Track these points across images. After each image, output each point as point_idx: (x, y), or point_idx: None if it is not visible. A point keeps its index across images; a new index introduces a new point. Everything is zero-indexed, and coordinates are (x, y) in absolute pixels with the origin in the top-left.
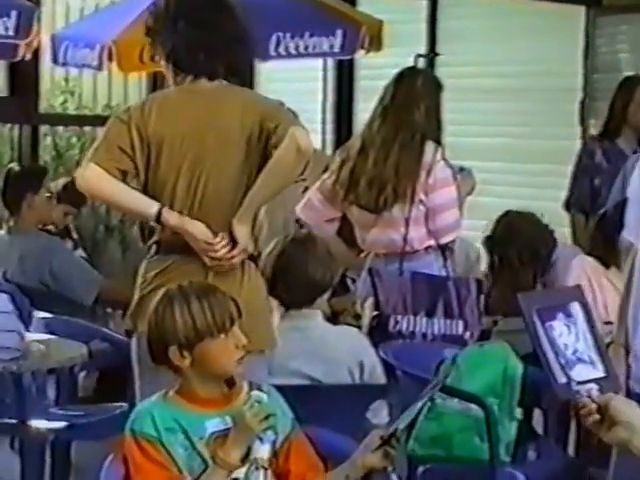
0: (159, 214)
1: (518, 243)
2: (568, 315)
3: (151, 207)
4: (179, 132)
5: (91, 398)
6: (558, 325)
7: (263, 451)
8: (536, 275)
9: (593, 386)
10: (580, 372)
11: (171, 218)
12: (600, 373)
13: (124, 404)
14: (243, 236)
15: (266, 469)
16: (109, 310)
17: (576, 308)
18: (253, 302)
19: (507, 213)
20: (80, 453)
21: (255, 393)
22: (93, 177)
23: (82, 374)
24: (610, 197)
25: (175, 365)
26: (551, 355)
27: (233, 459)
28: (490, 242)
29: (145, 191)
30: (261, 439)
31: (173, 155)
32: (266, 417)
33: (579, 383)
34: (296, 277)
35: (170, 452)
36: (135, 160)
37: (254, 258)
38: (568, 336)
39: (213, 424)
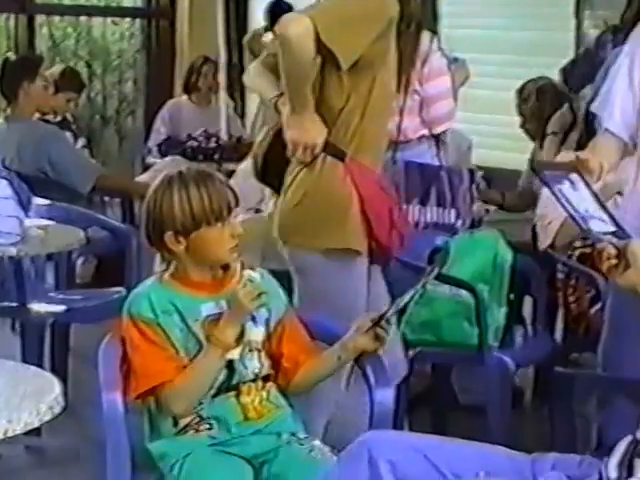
0: None
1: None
2: (571, 182)
3: None
4: None
5: (89, 285)
6: (566, 189)
7: (257, 333)
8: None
9: (611, 237)
10: (596, 225)
11: None
12: (612, 227)
13: (121, 289)
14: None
15: (260, 351)
16: (106, 199)
17: (575, 177)
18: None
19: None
20: (78, 336)
21: (247, 272)
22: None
23: (80, 260)
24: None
25: (170, 249)
26: (570, 209)
27: (228, 338)
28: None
29: None
30: (254, 320)
31: None
32: (259, 295)
33: (598, 234)
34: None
35: (167, 333)
36: None
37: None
38: (576, 198)
39: (208, 308)
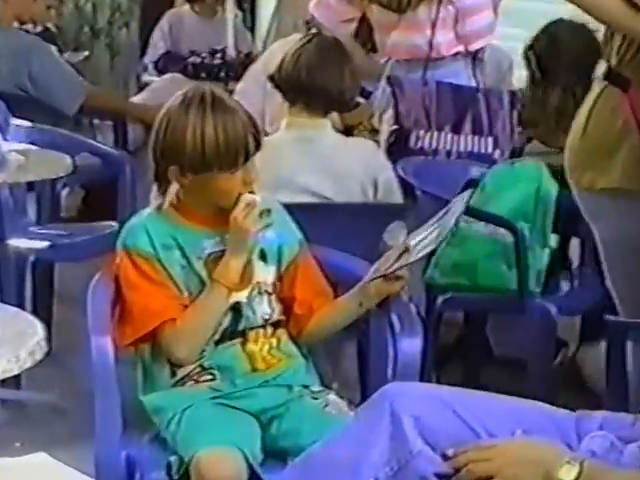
0: None
1: (563, 59)
2: None
3: None
4: None
5: (74, 219)
6: None
7: (266, 273)
8: (577, 97)
9: None
10: None
11: None
12: None
13: (113, 223)
14: None
15: (270, 294)
16: (96, 121)
17: None
18: None
19: (554, 22)
20: (63, 276)
21: (246, 196)
22: None
23: (65, 191)
24: None
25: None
26: None
27: (231, 271)
28: (530, 54)
29: None
30: (264, 258)
31: None
32: (261, 214)
33: None
34: (312, 84)
35: (168, 270)
36: None
37: None
38: None
39: (211, 244)
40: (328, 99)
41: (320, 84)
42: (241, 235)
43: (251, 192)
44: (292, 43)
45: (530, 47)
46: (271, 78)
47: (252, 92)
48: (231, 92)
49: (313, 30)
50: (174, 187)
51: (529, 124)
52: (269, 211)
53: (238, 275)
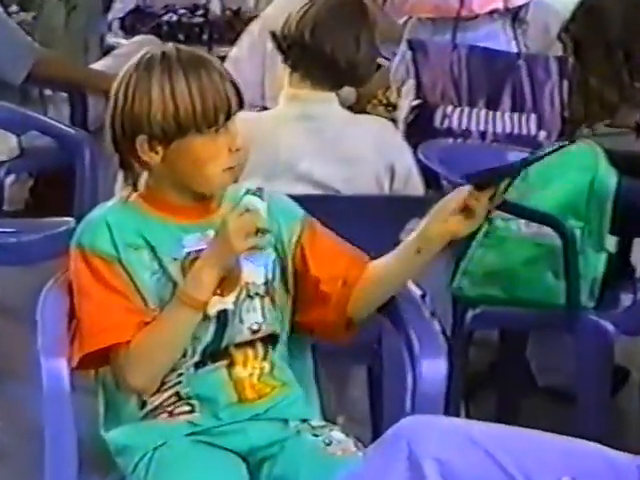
0: None
1: (611, 32)
2: None
3: None
4: None
5: (21, 213)
6: None
7: (256, 273)
8: (632, 76)
9: None
10: None
11: None
12: None
13: (69, 219)
14: None
15: (262, 297)
16: (48, 92)
17: None
18: None
19: None
20: (8, 284)
21: (248, 199)
22: None
23: (10, 179)
24: None
25: (141, 159)
26: None
27: (203, 289)
28: (570, 32)
29: None
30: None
31: None
32: (257, 232)
33: None
34: (317, 48)
35: (132, 276)
36: None
37: None
38: None
39: (191, 240)
40: (335, 70)
41: (327, 50)
42: (225, 248)
43: (255, 194)
44: None
45: (566, 28)
46: (273, 35)
47: (248, 60)
48: (221, 59)
49: None
50: (144, 176)
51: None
52: (266, 231)
53: (209, 292)
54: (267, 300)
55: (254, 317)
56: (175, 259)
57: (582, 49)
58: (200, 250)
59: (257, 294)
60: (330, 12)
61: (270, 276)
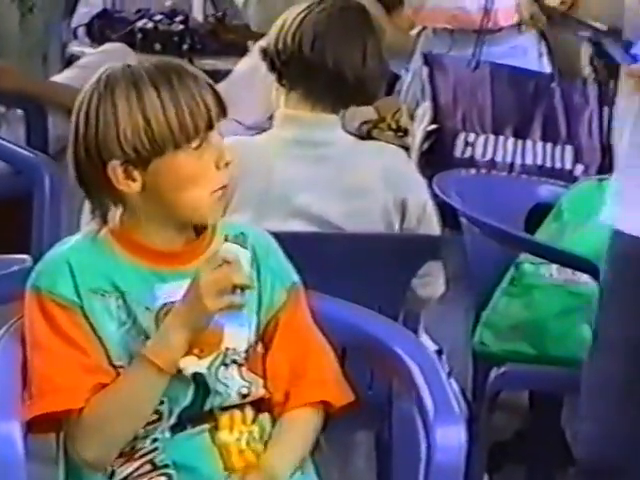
0: None
1: None
2: None
3: None
4: None
5: None
6: None
7: (239, 339)
8: None
9: None
10: None
11: None
12: None
13: (25, 257)
14: None
15: (241, 365)
16: (0, 109)
17: None
18: None
19: None
20: None
21: (226, 247)
22: None
23: None
24: None
25: (116, 191)
26: None
27: (172, 353)
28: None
29: None
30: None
31: None
32: (234, 289)
33: None
34: (319, 63)
35: (95, 326)
36: None
37: None
38: None
39: (168, 289)
40: (341, 88)
41: (330, 64)
42: (197, 306)
43: (237, 240)
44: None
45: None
46: (263, 52)
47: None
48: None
49: None
50: (115, 210)
51: None
52: (246, 287)
53: (177, 355)
54: (244, 369)
55: (239, 382)
56: (148, 309)
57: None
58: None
59: (234, 362)
60: (331, 20)
61: (253, 340)
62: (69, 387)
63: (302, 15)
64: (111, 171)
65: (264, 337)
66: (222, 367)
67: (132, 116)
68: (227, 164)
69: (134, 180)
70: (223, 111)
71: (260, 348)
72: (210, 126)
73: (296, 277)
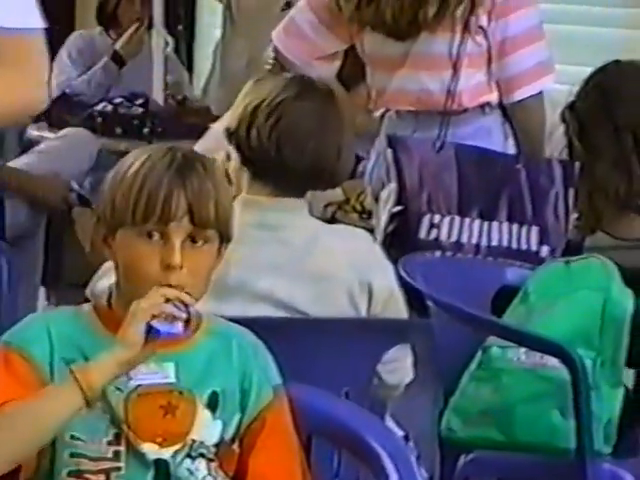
0: None
1: (621, 112)
2: None
3: None
4: None
5: None
6: None
7: (210, 432)
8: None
9: None
10: None
11: None
12: None
13: None
14: None
15: (211, 460)
16: None
17: None
18: None
19: (607, 66)
20: None
21: (165, 290)
22: None
23: None
24: None
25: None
26: None
27: (95, 376)
28: (575, 111)
29: None
30: (212, 406)
31: None
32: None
33: None
34: (297, 162)
35: None
36: None
37: None
38: None
39: (144, 372)
40: (314, 180)
41: (306, 164)
42: (126, 341)
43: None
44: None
45: (571, 106)
46: (229, 136)
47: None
48: None
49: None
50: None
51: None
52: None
53: (103, 379)
54: (214, 465)
55: (205, 475)
56: (119, 389)
57: (587, 131)
58: (152, 385)
59: (202, 455)
60: (302, 114)
61: (227, 437)
62: None
63: (273, 104)
64: (94, 230)
65: (245, 436)
66: (188, 459)
67: (112, 185)
68: (174, 267)
69: (107, 246)
70: (192, 220)
71: (236, 447)
72: (167, 218)
73: (279, 380)
